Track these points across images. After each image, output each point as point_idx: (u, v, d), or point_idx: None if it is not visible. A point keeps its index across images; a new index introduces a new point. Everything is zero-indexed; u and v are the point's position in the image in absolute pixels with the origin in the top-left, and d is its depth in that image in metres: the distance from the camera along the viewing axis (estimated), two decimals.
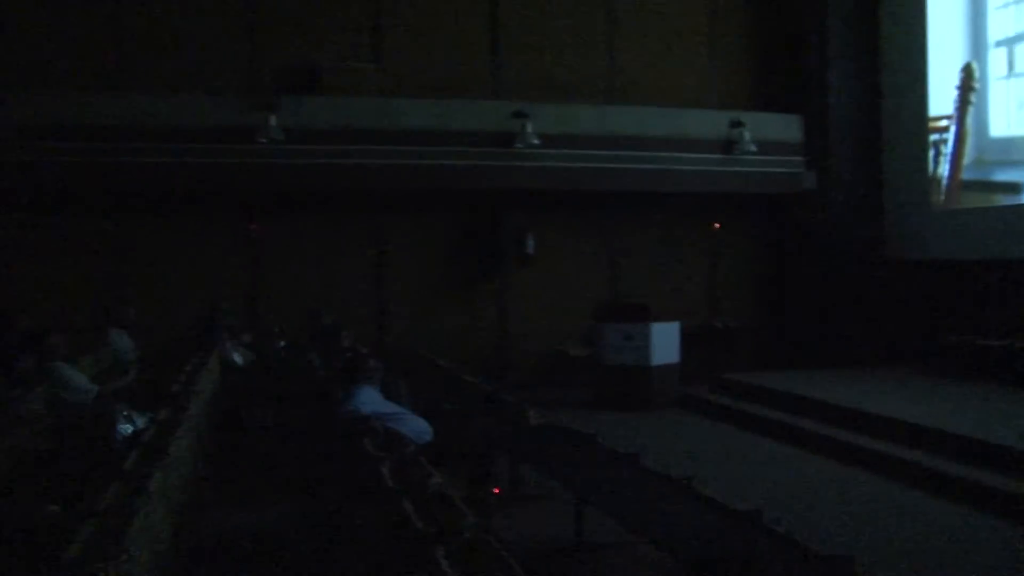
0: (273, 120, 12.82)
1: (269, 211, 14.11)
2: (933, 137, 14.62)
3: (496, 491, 7.51)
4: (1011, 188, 13.35)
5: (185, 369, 8.79)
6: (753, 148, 14.67)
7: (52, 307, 12.03)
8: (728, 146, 14.75)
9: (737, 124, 14.72)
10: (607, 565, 6.26)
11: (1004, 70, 13.45)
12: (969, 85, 13.95)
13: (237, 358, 11.18)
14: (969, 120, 14.02)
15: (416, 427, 6.94)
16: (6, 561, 4.24)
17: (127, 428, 6.47)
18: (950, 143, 14.33)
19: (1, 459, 5.84)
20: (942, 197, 14.62)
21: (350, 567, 4.73)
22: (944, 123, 14.45)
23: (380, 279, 14.58)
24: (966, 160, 14.17)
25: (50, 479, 5.61)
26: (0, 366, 7.92)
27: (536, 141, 13.73)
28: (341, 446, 6.16)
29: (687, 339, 13.35)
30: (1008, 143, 13.41)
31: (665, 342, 12.90)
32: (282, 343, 11.76)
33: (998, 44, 13.53)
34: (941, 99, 14.47)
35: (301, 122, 13.09)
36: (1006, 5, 13.43)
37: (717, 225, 15.87)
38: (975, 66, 13.89)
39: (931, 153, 14.66)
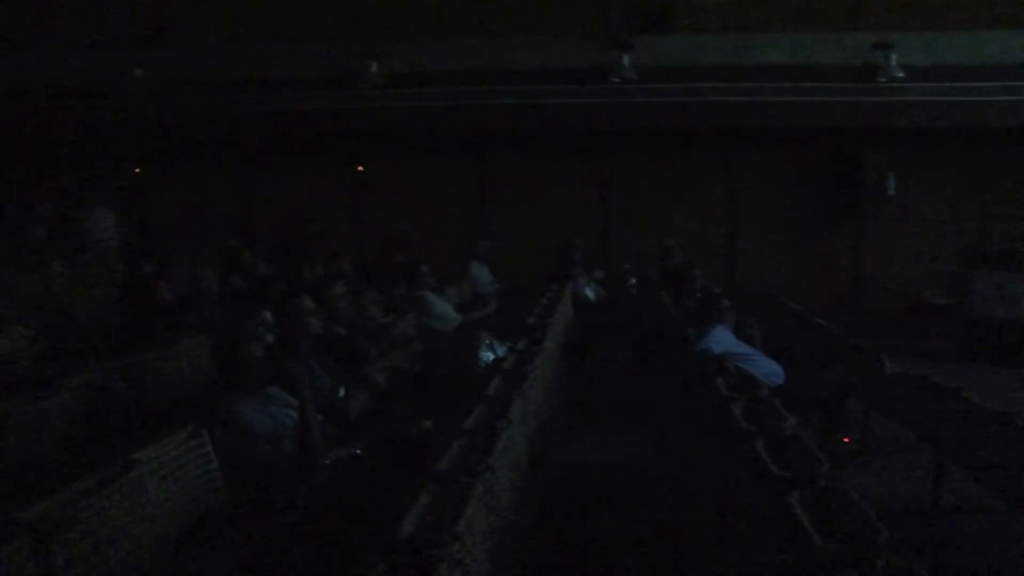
0: (626, 59, 12.95)
1: (620, 149, 14.32)
2: None
3: (846, 440, 7.29)
4: None
5: (541, 302, 9.12)
6: None
7: (420, 241, 12.99)
8: None
9: None
10: (967, 531, 5.87)
11: None
12: None
13: (589, 293, 11.51)
14: None
15: (767, 369, 6.85)
16: (387, 467, 4.70)
17: (488, 356, 6.89)
18: None
19: (381, 377, 6.41)
20: None
21: (700, 505, 4.78)
22: None
23: (731, 218, 14.41)
24: None
25: (422, 398, 6.11)
26: (378, 292, 8.69)
27: (900, 74, 12.84)
28: (692, 384, 6.21)
29: None
30: None
31: None
32: (633, 280, 11.94)
33: None
34: None
35: (654, 60, 13.11)
36: None
37: None
38: None
39: None
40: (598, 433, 7.06)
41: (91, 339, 8.04)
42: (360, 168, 14.64)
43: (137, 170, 14.86)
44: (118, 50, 13.75)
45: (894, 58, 12.80)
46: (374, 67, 13.12)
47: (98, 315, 9.12)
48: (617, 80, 12.97)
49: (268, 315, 6.15)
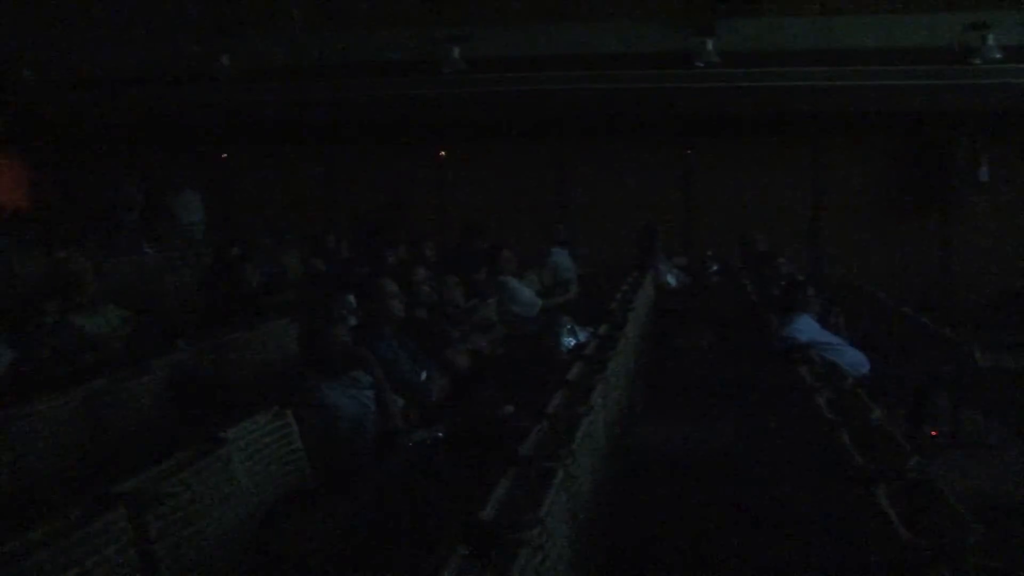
0: (710, 44, 12.77)
1: (703, 134, 14.17)
2: None
3: (934, 433, 7.12)
4: None
5: (622, 288, 9.08)
6: None
7: (502, 226, 13.01)
8: None
9: None
10: None
11: None
12: None
13: (671, 279, 11.42)
14: None
15: (853, 359, 6.74)
16: (468, 451, 4.73)
17: (570, 341, 6.89)
18: None
19: (463, 361, 6.45)
20: None
21: (782, 496, 4.73)
22: None
23: (816, 204, 14.15)
24: None
25: (504, 382, 6.13)
26: (460, 277, 8.75)
27: (998, 55, 12.39)
28: (776, 373, 6.13)
29: None
30: None
31: None
32: (715, 267, 11.82)
33: None
34: None
35: (738, 45, 12.91)
36: None
37: None
38: None
39: None
40: (679, 420, 7.01)
41: (179, 320, 8.24)
42: (442, 153, 14.73)
43: (224, 155, 15.16)
44: (205, 37, 14.02)
45: (991, 38, 12.35)
46: (456, 53, 13.15)
47: (186, 296, 9.35)
48: (700, 65, 12.79)
49: (351, 298, 6.22)
